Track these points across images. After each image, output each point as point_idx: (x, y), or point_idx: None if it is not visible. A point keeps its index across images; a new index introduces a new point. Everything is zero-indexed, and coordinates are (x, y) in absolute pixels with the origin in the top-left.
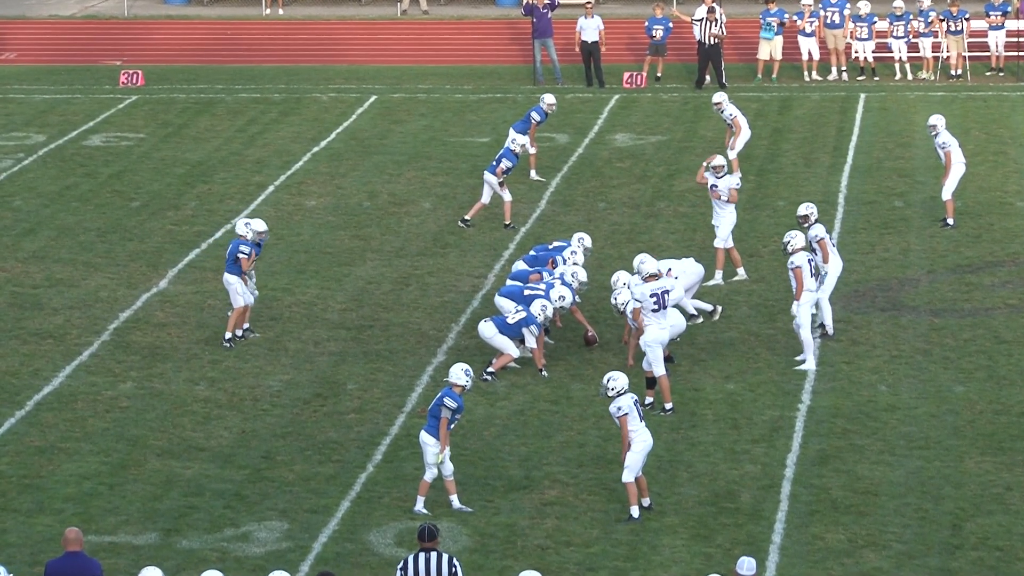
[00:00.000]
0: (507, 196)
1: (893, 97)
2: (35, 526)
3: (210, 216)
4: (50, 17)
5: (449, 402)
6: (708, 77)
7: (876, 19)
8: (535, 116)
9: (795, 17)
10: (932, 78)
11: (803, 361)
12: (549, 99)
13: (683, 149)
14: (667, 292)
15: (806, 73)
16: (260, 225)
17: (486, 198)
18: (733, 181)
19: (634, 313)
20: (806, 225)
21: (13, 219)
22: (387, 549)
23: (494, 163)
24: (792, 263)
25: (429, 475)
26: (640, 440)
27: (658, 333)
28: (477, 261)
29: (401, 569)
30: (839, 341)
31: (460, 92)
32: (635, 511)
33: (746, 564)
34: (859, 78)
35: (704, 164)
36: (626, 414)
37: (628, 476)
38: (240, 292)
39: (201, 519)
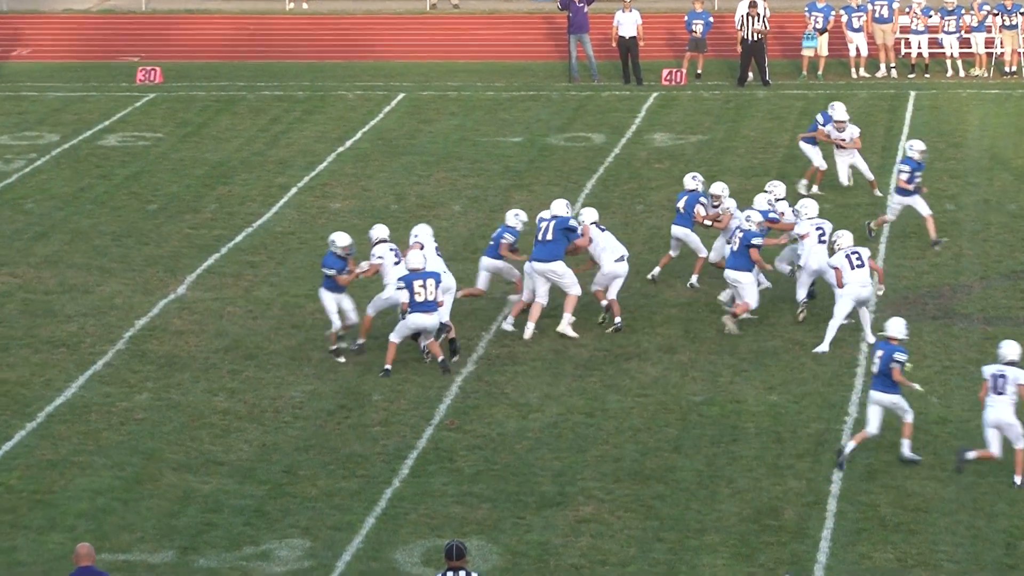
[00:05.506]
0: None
1: (944, 95)
2: (47, 543)
3: (230, 219)
4: (65, 11)
5: None
6: (751, 74)
7: (932, 12)
8: (507, 237)
9: (842, 11)
10: (985, 75)
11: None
12: (522, 214)
13: (725, 149)
14: None
15: (853, 70)
16: (343, 239)
17: (483, 284)
18: (727, 205)
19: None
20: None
21: (25, 222)
22: (414, 568)
23: (492, 243)
24: (830, 263)
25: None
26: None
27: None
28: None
29: None
30: None
31: (492, 90)
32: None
33: None
34: (910, 76)
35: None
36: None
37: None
38: (333, 311)
39: (220, 536)
